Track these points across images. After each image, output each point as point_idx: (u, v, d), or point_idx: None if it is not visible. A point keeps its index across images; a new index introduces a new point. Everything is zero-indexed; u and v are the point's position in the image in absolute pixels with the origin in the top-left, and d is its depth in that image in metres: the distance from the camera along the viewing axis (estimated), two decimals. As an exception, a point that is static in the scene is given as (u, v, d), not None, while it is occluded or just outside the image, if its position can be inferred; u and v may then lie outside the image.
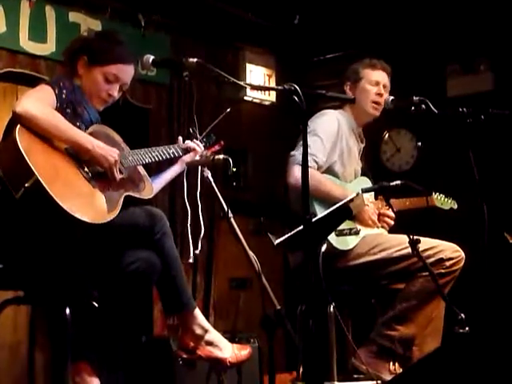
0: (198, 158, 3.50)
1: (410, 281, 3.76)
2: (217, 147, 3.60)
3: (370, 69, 4.04)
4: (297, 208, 3.74)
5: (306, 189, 2.64)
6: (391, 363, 3.75)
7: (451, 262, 3.75)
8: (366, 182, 4.06)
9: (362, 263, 3.79)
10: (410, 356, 3.75)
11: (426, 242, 3.62)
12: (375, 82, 4.02)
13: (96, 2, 5.17)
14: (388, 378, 3.66)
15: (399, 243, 3.75)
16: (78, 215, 2.90)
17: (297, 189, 3.71)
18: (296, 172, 3.71)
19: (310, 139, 3.71)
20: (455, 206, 4.32)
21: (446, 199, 4.28)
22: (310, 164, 3.67)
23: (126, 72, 3.34)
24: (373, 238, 3.85)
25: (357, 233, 3.74)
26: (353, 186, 3.95)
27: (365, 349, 3.78)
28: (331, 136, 3.89)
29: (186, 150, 3.54)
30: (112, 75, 3.29)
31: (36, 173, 2.86)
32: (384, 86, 4.03)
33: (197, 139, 3.56)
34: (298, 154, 3.75)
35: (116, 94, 3.34)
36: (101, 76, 3.28)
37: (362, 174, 4.12)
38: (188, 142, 3.55)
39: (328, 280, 3.37)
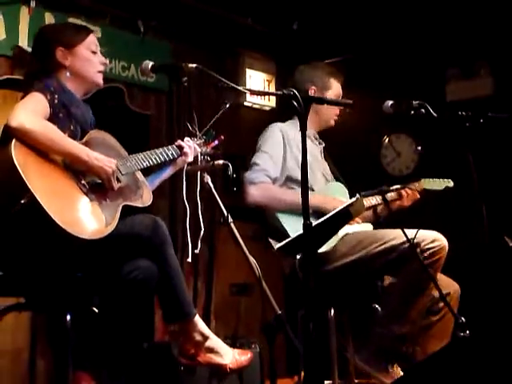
0: (189, 159, 3.47)
1: (396, 276, 3.74)
2: (216, 142, 3.59)
3: (337, 81, 4.10)
4: (274, 222, 3.77)
5: (305, 197, 2.64)
6: (391, 364, 3.73)
7: (429, 252, 3.64)
8: (340, 187, 4.05)
9: (345, 263, 3.72)
10: (412, 355, 3.71)
11: (402, 236, 3.52)
12: (340, 96, 4.08)
13: (96, 9, 5.17)
14: (388, 379, 3.64)
15: (379, 238, 3.72)
16: (75, 233, 2.88)
17: (258, 207, 3.81)
18: (251, 191, 3.80)
19: (257, 156, 3.90)
20: (450, 184, 4.29)
21: (436, 180, 4.24)
22: (262, 179, 3.79)
23: (95, 39, 3.42)
24: (353, 236, 3.80)
25: None
26: (328, 191, 3.95)
27: (364, 351, 3.78)
28: (277, 148, 3.93)
29: (181, 149, 3.49)
30: (93, 44, 3.36)
31: (32, 189, 2.82)
32: None
33: (196, 137, 3.55)
34: (248, 173, 3.85)
35: (105, 59, 3.41)
36: (87, 51, 3.32)
37: (335, 178, 4.10)
38: (180, 141, 3.50)
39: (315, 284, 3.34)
